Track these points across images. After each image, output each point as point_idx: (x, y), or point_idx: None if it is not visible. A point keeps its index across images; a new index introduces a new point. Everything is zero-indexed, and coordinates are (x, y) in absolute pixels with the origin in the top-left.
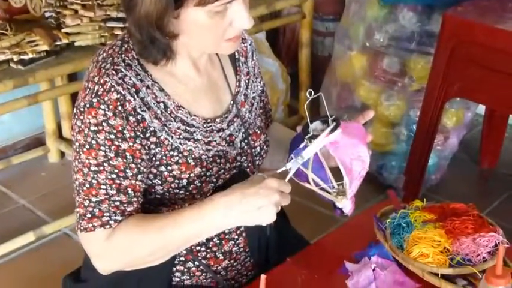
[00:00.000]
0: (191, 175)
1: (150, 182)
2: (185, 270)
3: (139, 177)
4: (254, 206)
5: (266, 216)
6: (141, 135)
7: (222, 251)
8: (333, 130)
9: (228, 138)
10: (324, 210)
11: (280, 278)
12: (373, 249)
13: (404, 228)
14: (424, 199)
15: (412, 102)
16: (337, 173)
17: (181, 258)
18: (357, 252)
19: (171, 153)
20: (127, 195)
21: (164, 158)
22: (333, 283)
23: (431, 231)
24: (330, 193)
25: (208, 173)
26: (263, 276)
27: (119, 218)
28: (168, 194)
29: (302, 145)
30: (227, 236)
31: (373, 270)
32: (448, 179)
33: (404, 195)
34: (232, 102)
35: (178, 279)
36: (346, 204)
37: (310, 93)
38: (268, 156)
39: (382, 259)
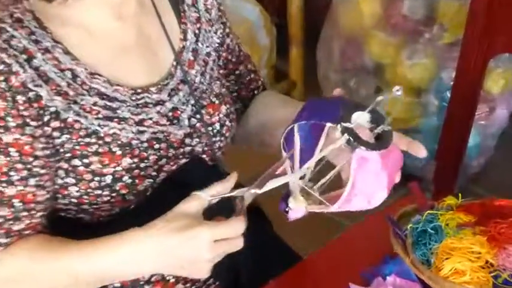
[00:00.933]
0: (117, 169)
1: (61, 182)
2: None
3: (31, 181)
4: (178, 262)
5: (195, 273)
6: (35, 122)
7: None
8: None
9: (170, 113)
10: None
11: None
12: (389, 265)
13: (431, 236)
14: (459, 194)
15: (443, 61)
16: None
17: (115, 285)
18: (367, 270)
19: (87, 140)
20: (12, 209)
21: (77, 147)
22: None
23: (469, 239)
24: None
25: (142, 165)
26: None
27: (3, 240)
28: (87, 197)
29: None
30: None
31: None
32: (495, 165)
33: (434, 190)
34: (175, 62)
35: None
36: (298, 211)
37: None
38: (252, 136)
39: (402, 279)
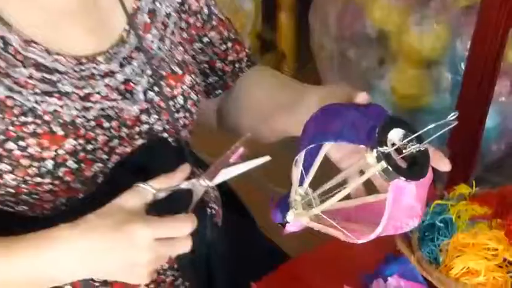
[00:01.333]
0: (60, 152)
1: None
2: None
3: None
4: (112, 265)
5: (132, 278)
6: None
7: None
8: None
9: (122, 86)
10: None
11: None
12: (392, 265)
13: (440, 231)
14: (473, 182)
15: (458, 28)
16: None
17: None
18: (366, 270)
19: (22, 119)
20: None
21: (11, 128)
22: None
23: (484, 234)
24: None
25: (89, 147)
26: None
27: None
28: (25, 186)
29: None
30: None
31: None
32: None
33: (448, 179)
34: (128, 26)
35: None
36: (297, 225)
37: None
38: (239, 123)
39: (406, 281)
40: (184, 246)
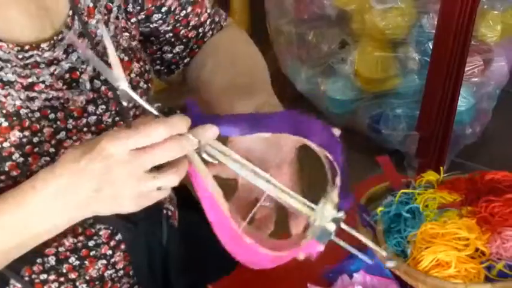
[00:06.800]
0: (5, 145)
1: None
2: None
3: None
4: (90, 192)
5: (118, 205)
6: None
7: (86, 278)
8: None
9: (67, 75)
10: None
11: None
12: (356, 260)
13: (407, 221)
14: (441, 168)
15: (424, 4)
16: None
17: None
18: (329, 267)
19: None
20: None
21: None
22: None
23: (454, 223)
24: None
25: (35, 139)
26: None
27: None
28: None
29: None
30: (93, 252)
31: None
32: (495, 133)
33: (418, 166)
34: (71, 11)
35: None
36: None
37: None
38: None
39: (373, 276)
40: (167, 152)
